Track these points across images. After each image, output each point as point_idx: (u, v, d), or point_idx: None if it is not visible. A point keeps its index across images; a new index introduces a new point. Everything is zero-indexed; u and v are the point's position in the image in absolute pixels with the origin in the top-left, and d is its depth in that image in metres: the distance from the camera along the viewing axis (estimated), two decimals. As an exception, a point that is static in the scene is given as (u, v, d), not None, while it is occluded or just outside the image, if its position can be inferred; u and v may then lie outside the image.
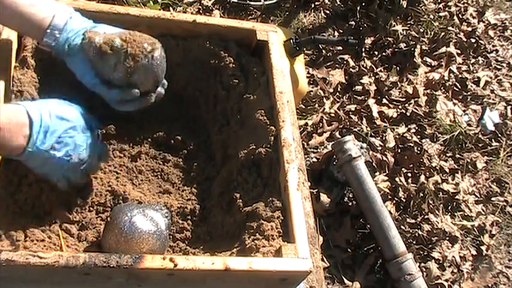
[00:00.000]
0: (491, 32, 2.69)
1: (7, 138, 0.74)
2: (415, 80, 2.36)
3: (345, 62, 2.31)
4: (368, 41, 2.41)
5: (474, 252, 1.99)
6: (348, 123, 2.15)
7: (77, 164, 0.84)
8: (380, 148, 2.09)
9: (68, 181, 0.86)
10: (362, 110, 2.20)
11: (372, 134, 2.14)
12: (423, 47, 2.46)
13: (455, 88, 2.43)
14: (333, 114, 2.15)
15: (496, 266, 2.01)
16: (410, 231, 1.93)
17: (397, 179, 2.02)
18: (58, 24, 0.84)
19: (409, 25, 2.52)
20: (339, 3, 2.48)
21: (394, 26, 2.45)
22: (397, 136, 2.16)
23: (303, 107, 2.11)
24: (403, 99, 2.30)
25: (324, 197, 1.89)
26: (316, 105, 2.14)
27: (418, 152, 2.13)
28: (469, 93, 2.44)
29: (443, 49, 2.48)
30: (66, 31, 0.85)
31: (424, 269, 1.86)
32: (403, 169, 2.07)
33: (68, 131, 0.82)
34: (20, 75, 0.90)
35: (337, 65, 2.30)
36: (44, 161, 0.80)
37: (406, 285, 1.75)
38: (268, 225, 0.86)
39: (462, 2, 2.74)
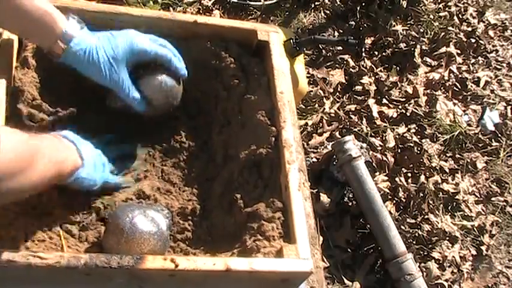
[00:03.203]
0: (491, 32, 2.69)
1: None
2: (415, 80, 2.36)
3: (345, 62, 2.31)
4: (368, 41, 2.41)
5: (474, 252, 1.99)
6: (348, 123, 2.15)
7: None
8: (380, 148, 2.09)
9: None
10: (362, 110, 2.20)
11: (372, 134, 2.14)
12: (423, 47, 2.46)
13: (455, 88, 2.43)
14: (333, 114, 2.14)
15: (496, 266, 2.01)
16: (410, 231, 1.93)
17: (397, 179, 2.02)
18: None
19: (409, 25, 2.52)
20: (339, 3, 2.48)
21: (394, 26, 2.45)
22: (397, 136, 2.16)
23: (303, 107, 2.10)
24: (403, 99, 2.29)
25: (324, 197, 1.89)
26: (316, 105, 2.14)
27: (418, 152, 2.13)
28: (469, 93, 2.43)
29: (443, 49, 2.48)
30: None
31: (424, 269, 1.86)
32: (403, 169, 2.07)
33: None
34: (20, 75, 0.90)
35: (337, 65, 2.30)
36: None
37: (406, 285, 1.75)
38: (269, 225, 0.86)
39: (462, 2, 2.73)
